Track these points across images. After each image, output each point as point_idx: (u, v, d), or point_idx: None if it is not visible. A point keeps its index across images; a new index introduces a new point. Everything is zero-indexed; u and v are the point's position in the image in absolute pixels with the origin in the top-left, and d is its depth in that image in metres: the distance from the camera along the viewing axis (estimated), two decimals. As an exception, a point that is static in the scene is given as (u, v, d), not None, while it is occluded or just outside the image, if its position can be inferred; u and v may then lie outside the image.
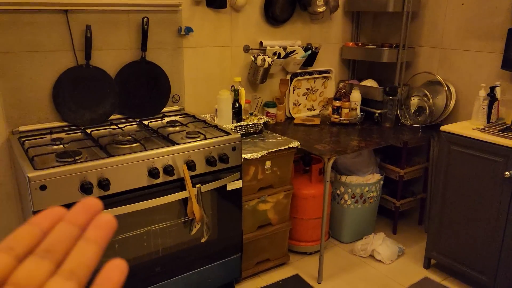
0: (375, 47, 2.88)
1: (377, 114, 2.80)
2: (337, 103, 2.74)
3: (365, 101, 2.82)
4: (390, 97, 2.71)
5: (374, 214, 2.84)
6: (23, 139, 1.87)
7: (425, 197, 2.94)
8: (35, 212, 1.53)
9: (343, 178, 2.65)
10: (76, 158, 1.65)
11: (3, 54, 1.88)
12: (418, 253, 2.64)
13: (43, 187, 1.52)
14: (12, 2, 1.83)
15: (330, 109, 2.83)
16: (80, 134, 2.01)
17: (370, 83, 2.92)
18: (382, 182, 2.77)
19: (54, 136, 1.95)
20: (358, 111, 2.77)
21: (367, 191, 2.67)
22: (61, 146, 1.81)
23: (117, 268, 0.30)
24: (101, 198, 1.65)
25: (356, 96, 2.75)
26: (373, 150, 2.83)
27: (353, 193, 2.66)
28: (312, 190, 2.52)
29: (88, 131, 2.03)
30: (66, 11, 1.98)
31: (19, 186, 1.99)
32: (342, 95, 2.89)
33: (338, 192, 2.69)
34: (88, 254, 0.29)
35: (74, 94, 2.06)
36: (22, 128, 1.98)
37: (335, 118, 2.75)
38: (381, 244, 2.60)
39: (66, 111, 2.05)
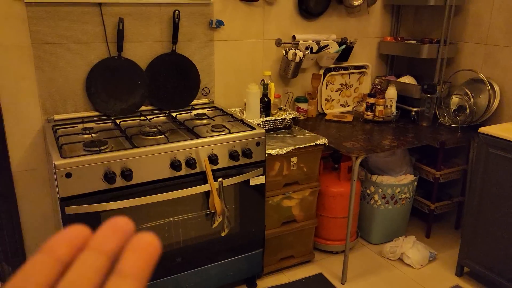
0: (414, 42, 2.75)
1: (413, 112, 2.68)
2: (371, 100, 2.65)
3: (402, 99, 2.71)
4: (428, 95, 2.59)
5: (406, 216, 2.73)
6: (56, 127, 1.95)
7: (463, 200, 2.80)
8: (61, 199, 1.59)
9: (374, 177, 2.57)
10: (102, 148, 1.70)
11: (40, 45, 1.97)
12: (451, 260, 2.52)
13: (68, 175, 1.58)
14: (50, -5, 1.90)
15: (364, 105, 2.74)
16: (110, 124, 2.07)
17: (407, 79, 2.80)
18: (415, 183, 2.66)
19: (85, 125, 2.02)
20: (394, 108, 2.66)
21: (398, 192, 2.57)
22: (90, 135, 1.87)
23: (148, 244, 0.24)
24: (124, 188, 1.69)
25: (391, 93, 2.65)
26: (408, 150, 2.72)
27: (384, 193, 2.57)
28: (340, 188, 2.46)
29: (118, 121, 2.08)
30: (100, 4, 2.03)
31: (50, 173, 2.08)
32: (377, 91, 2.79)
33: (368, 191, 2.61)
34: None
35: (106, 85, 2.12)
36: (57, 117, 2.06)
37: (369, 115, 2.66)
38: (411, 247, 2.50)
39: (98, 101, 2.12)
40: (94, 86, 2.10)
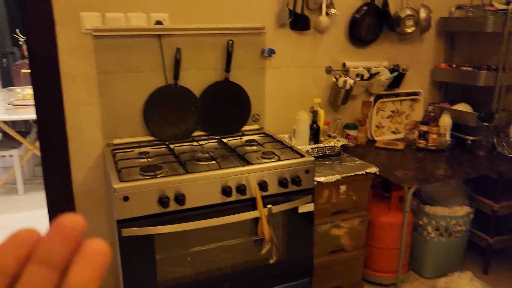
0: (470, 69, 2.67)
1: (469, 141, 2.58)
2: (424, 128, 2.58)
3: (456, 127, 2.63)
4: (485, 123, 2.49)
5: (462, 250, 2.60)
6: (115, 151, 2.06)
7: (525, 235, 2.63)
8: (118, 221, 1.67)
9: (426, 208, 2.48)
10: (157, 172, 1.77)
11: (104, 74, 2.10)
12: (512, 299, 2.36)
13: (126, 198, 1.65)
14: (115, 28, 2.04)
15: (417, 133, 2.68)
16: (164, 149, 2.16)
17: (463, 107, 2.71)
18: (472, 215, 2.53)
19: (142, 150, 2.11)
20: (448, 137, 2.58)
21: (453, 224, 2.46)
22: (146, 160, 1.95)
23: (97, 252, 0.23)
24: (177, 212, 1.75)
25: (445, 120, 2.58)
26: (464, 180, 2.61)
27: (437, 225, 2.47)
28: (390, 218, 2.39)
29: (172, 146, 2.17)
30: (159, 35, 2.15)
31: (108, 194, 2.19)
32: (430, 119, 2.73)
33: (421, 222, 2.52)
34: None
35: (162, 111, 2.22)
36: (116, 141, 2.18)
37: (421, 143, 2.59)
38: (468, 284, 2.37)
39: (154, 126, 2.22)
40: (150, 112, 2.20)
